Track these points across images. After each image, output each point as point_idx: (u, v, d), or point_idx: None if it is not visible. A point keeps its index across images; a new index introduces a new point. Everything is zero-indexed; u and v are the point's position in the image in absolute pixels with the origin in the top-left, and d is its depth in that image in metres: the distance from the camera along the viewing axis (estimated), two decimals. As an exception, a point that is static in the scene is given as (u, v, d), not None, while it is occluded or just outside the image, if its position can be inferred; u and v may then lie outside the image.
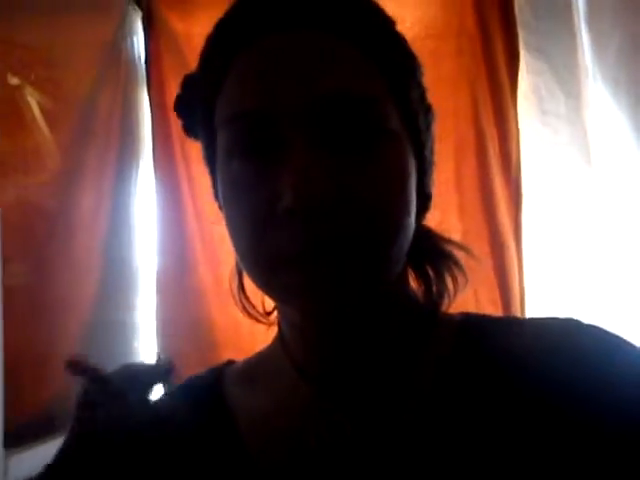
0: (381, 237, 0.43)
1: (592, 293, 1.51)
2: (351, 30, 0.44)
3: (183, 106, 0.52)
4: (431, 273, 0.53)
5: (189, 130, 0.53)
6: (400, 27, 0.51)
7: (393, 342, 0.49)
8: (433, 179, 0.53)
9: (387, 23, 0.49)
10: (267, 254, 0.43)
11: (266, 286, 0.45)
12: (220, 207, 0.49)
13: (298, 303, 0.44)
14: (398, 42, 0.49)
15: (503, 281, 1.56)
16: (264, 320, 0.56)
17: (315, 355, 0.50)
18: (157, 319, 1.72)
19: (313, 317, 0.45)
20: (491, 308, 1.53)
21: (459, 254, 0.54)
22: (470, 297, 1.52)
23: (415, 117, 0.48)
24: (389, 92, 0.45)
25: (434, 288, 0.52)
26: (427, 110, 0.51)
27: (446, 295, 0.52)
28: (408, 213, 0.46)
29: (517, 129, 1.58)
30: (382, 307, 0.48)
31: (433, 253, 0.53)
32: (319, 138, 0.42)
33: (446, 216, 1.57)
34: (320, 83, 0.42)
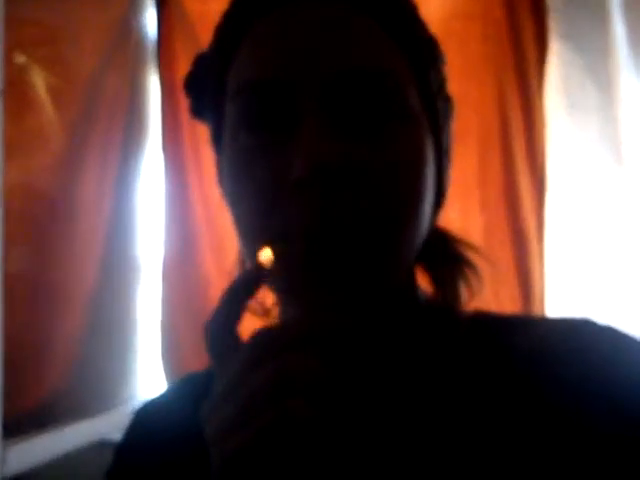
0: (392, 219, 0.42)
1: (615, 294, 1.45)
2: (373, 5, 0.43)
3: (193, 84, 0.50)
4: (445, 277, 0.51)
5: (196, 111, 0.51)
6: (426, 8, 0.50)
7: (399, 338, 0.48)
8: (449, 176, 0.51)
9: (410, 4, 0.48)
10: (274, 230, 0.42)
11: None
12: (223, 194, 0.48)
13: (300, 288, 0.42)
14: (420, 24, 0.48)
15: (524, 278, 1.51)
16: (264, 316, 0.55)
17: None
18: (161, 307, 1.69)
19: (315, 301, 0.42)
20: (511, 305, 1.49)
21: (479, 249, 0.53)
22: (490, 293, 1.47)
23: (434, 101, 0.46)
24: (409, 72, 0.44)
25: (448, 291, 0.50)
26: (446, 100, 0.49)
27: (461, 297, 0.50)
28: (422, 199, 0.44)
29: (544, 122, 1.51)
30: (389, 300, 0.46)
31: (447, 256, 0.52)
32: (335, 113, 0.41)
33: (467, 210, 1.52)
34: (339, 57, 0.41)
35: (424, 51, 0.46)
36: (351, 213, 0.41)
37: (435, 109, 0.47)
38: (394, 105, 0.43)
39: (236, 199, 0.45)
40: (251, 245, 0.44)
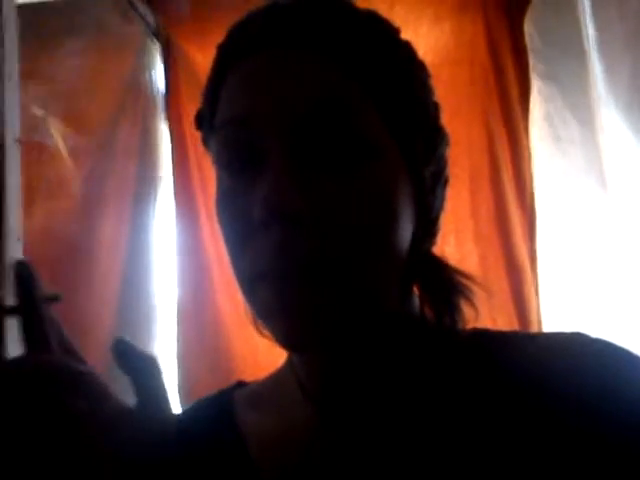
0: (355, 257, 0.42)
1: (610, 318, 1.50)
2: (327, 45, 0.44)
3: (198, 121, 0.53)
4: (443, 303, 0.51)
5: (204, 145, 0.54)
6: None
7: (395, 361, 0.48)
8: (438, 203, 0.51)
9: (367, 35, 0.46)
10: (246, 269, 0.43)
11: (249, 303, 0.45)
12: None
13: (273, 321, 0.43)
14: (381, 57, 0.46)
15: (520, 307, 1.56)
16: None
17: (315, 375, 0.49)
18: (177, 348, 1.72)
19: (287, 338, 0.43)
20: (509, 332, 1.51)
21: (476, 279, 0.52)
22: (488, 322, 1.50)
23: (404, 132, 0.46)
24: (373, 106, 0.44)
25: (446, 317, 0.50)
26: (431, 129, 0.49)
27: (459, 322, 0.50)
28: (387, 231, 0.44)
29: (530, 155, 1.59)
30: (376, 327, 0.47)
31: (445, 284, 0.51)
32: (296, 152, 0.42)
33: (462, 242, 1.57)
34: (294, 97, 0.43)
35: (386, 80, 0.45)
36: (311, 253, 0.41)
37: (408, 139, 0.46)
38: (353, 139, 0.43)
39: (223, 238, 0.46)
40: (239, 284, 0.46)
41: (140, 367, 0.45)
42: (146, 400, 0.45)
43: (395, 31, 0.49)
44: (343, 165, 0.42)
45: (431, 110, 0.49)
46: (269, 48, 0.45)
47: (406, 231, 0.46)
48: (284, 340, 0.43)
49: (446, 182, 0.52)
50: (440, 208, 0.51)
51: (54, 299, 0.47)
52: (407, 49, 0.49)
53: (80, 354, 0.48)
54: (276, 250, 0.41)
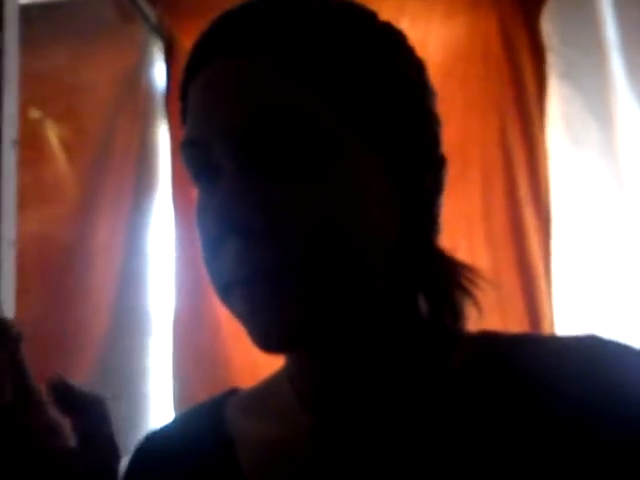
0: (315, 256, 0.42)
1: (626, 324, 1.45)
2: (274, 52, 0.43)
3: None
4: (440, 301, 0.49)
5: None
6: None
7: (392, 362, 0.47)
8: (430, 187, 0.48)
9: (315, 36, 0.44)
10: (216, 279, 0.45)
11: (227, 308, 0.46)
12: None
13: (245, 323, 0.44)
14: (333, 57, 0.44)
15: (533, 314, 1.52)
16: None
17: (312, 381, 0.49)
18: (173, 355, 1.68)
19: (258, 337, 0.43)
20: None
21: (485, 283, 0.50)
22: (499, 327, 1.46)
23: (363, 124, 0.44)
24: (324, 103, 0.42)
25: (445, 316, 0.48)
26: (406, 112, 0.46)
27: (464, 321, 0.48)
28: (353, 227, 0.43)
29: (546, 156, 1.54)
30: (361, 324, 0.46)
31: (443, 279, 0.49)
32: (246, 162, 0.42)
33: (473, 247, 1.53)
34: (243, 106, 0.42)
35: (339, 80, 0.43)
36: (268, 260, 0.41)
37: (373, 133, 0.44)
38: (301, 144, 0.42)
39: None
40: (215, 292, 0.46)
41: (81, 408, 0.46)
42: (85, 441, 0.46)
43: (360, 18, 0.47)
44: (295, 168, 0.42)
45: (405, 93, 0.47)
46: (219, 56, 0.44)
47: (384, 221, 0.45)
48: (256, 339, 0.43)
49: (440, 164, 0.49)
50: (435, 192, 0.48)
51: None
52: (372, 35, 0.47)
53: (37, 396, 0.48)
54: (235, 263, 0.42)
